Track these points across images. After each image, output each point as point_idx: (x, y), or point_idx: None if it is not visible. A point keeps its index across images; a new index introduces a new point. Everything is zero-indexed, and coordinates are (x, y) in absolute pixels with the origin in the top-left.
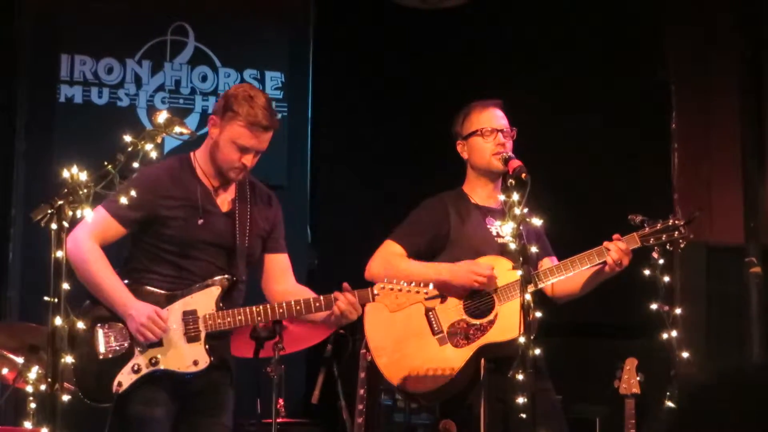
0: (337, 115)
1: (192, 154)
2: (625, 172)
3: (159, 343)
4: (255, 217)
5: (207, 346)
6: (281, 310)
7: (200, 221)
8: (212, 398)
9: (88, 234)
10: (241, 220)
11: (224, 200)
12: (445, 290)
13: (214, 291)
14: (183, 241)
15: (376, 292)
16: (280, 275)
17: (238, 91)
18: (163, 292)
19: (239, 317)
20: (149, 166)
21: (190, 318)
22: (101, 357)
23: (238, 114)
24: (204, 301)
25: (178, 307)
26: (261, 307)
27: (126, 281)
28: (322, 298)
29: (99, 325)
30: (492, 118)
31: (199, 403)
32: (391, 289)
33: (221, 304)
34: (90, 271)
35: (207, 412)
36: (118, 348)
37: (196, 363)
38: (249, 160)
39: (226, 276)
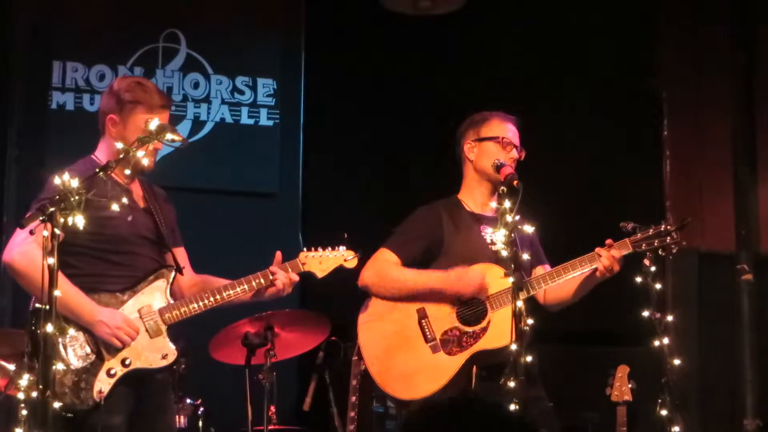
0: (330, 122)
1: (92, 156)
2: (617, 179)
3: (124, 344)
4: (165, 212)
5: (169, 338)
6: (228, 293)
7: (129, 218)
8: (161, 398)
9: (33, 242)
10: (158, 215)
11: (138, 197)
12: (435, 299)
13: (162, 284)
14: (116, 237)
15: (302, 260)
16: (188, 267)
17: (124, 83)
18: (111, 292)
19: (193, 305)
20: (62, 170)
21: (146, 313)
22: (74, 368)
23: (138, 102)
24: (155, 294)
25: (131, 306)
26: (209, 292)
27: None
28: (260, 274)
29: (63, 337)
30: (513, 134)
31: (150, 403)
32: (314, 257)
33: (170, 296)
34: (36, 272)
35: (156, 412)
36: (87, 356)
37: (165, 356)
38: (158, 145)
39: (168, 267)
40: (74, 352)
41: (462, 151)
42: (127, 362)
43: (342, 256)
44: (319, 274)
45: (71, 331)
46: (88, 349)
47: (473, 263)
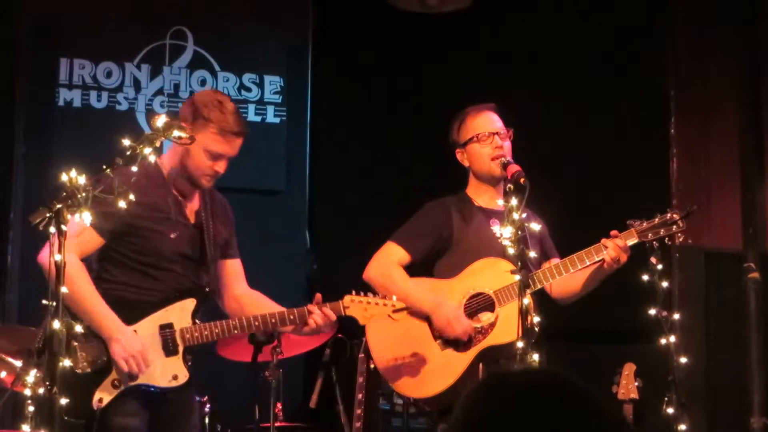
0: (337, 119)
1: (158, 160)
2: (624, 177)
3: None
4: (217, 227)
5: (185, 360)
6: (257, 323)
7: (173, 235)
8: (179, 408)
9: (69, 246)
10: (207, 233)
11: (191, 211)
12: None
13: (189, 304)
14: (156, 252)
15: (346, 305)
16: (235, 280)
17: (206, 97)
18: (137, 304)
19: (216, 330)
20: (118, 173)
21: (167, 332)
22: (79, 372)
23: (209, 120)
24: (180, 314)
25: (154, 320)
26: (237, 320)
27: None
28: (296, 311)
29: (73, 340)
30: (487, 122)
31: (167, 412)
32: (360, 302)
33: (197, 317)
34: (72, 287)
35: (175, 422)
36: (95, 363)
37: (175, 377)
38: (221, 166)
39: (200, 288)
40: (83, 356)
41: (458, 160)
42: (133, 376)
43: (391, 305)
44: (362, 321)
45: (81, 332)
46: (101, 357)
47: (482, 257)
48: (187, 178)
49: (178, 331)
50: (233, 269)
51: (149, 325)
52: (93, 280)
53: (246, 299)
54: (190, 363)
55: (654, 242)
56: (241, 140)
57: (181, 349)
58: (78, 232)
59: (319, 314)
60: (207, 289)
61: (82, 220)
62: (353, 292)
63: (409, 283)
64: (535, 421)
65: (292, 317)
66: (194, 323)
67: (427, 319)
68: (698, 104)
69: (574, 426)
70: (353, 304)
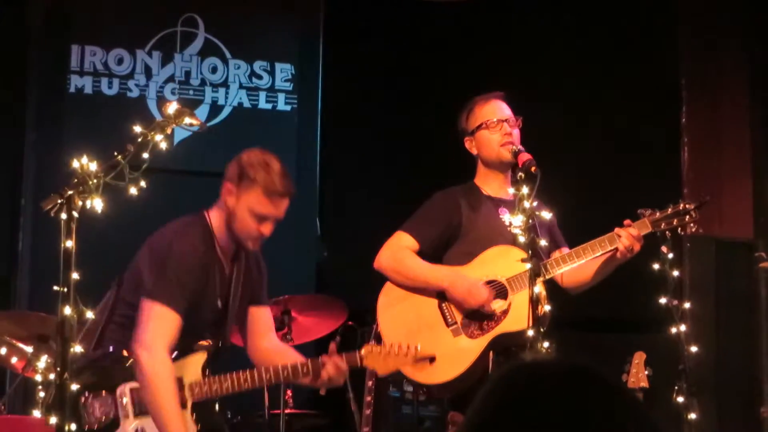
0: (348, 106)
1: (208, 218)
2: (635, 167)
3: (146, 412)
4: (248, 278)
5: (194, 415)
6: (268, 376)
7: (211, 303)
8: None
9: (164, 345)
10: (236, 286)
11: (228, 262)
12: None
13: (200, 358)
14: (191, 317)
15: (364, 355)
16: (264, 331)
17: (253, 157)
18: None
19: (226, 384)
20: (178, 242)
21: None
22: (86, 428)
23: (255, 181)
24: (190, 367)
25: None
26: (248, 373)
27: (111, 348)
28: (309, 363)
29: (85, 393)
30: (496, 109)
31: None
32: (379, 353)
33: (207, 371)
34: (157, 394)
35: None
36: (103, 419)
37: None
38: (267, 228)
39: (213, 341)
40: (92, 411)
41: (466, 149)
42: (139, 429)
43: (413, 352)
44: (381, 372)
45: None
46: (109, 412)
47: (492, 245)
48: (233, 238)
49: (187, 386)
50: (260, 317)
51: None
52: (117, 325)
53: (271, 355)
54: (217, 412)
55: (666, 232)
56: (287, 201)
57: (189, 403)
58: (168, 327)
59: (332, 365)
60: (221, 344)
61: (160, 310)
62: (373, 342)
63: (423, 263)
64: (562, 405)
65: (305, 369)
66: (204, 377)
67: (439, 306)
68: (709, 94)
69: (600, 411)
70: (371, 355)
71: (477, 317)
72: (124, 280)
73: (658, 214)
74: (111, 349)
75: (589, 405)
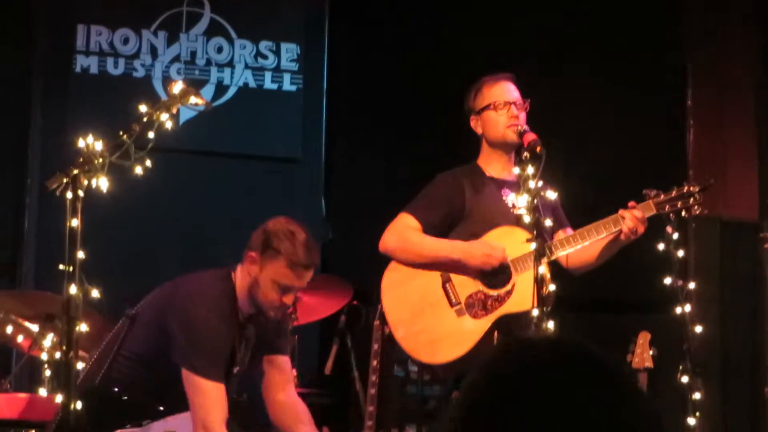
0: (353, 87)
1: (234, 281)
2: (640, 148)
3: None
4: (262, 334)
5: None
6: None
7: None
8: None
9: (222, 422)
10: (248, 346)
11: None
12: (457, 269)
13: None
14: None
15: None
16: (281, 383)
17: (278, 227)
18: (147, 400)
19: None
20: (211, 313)
21: None
22: None
23: (279, 253)
24: (184, 424)
25: (158, 427)
26: None
27: (116, 388)
28: None
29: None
30: (504, 91)
31: None
32: None
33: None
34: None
35: None
36: None
37: None
38: (290, 299)
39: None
40: None
41: (471, 127)
42: None
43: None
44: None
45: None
46: None
47: (495, 227)
48: (254, 305)
49: None
50: (277, 367)
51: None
52: (125, 360)
53: (285, 414)
54: None
55: (670, 214)
56: (311, 273)
57: None
58: (222, 402)
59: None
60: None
61: (209, 386)
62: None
63: (431, 239)
64: (556, 383)
65: None
66: None
67: (443, 286)
68: (715, 76)
69: (593, 388)
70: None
71: (481, 297)
72: (138, 316)
73: (662, 196)
74: (116, 389)
75: (582, 384)
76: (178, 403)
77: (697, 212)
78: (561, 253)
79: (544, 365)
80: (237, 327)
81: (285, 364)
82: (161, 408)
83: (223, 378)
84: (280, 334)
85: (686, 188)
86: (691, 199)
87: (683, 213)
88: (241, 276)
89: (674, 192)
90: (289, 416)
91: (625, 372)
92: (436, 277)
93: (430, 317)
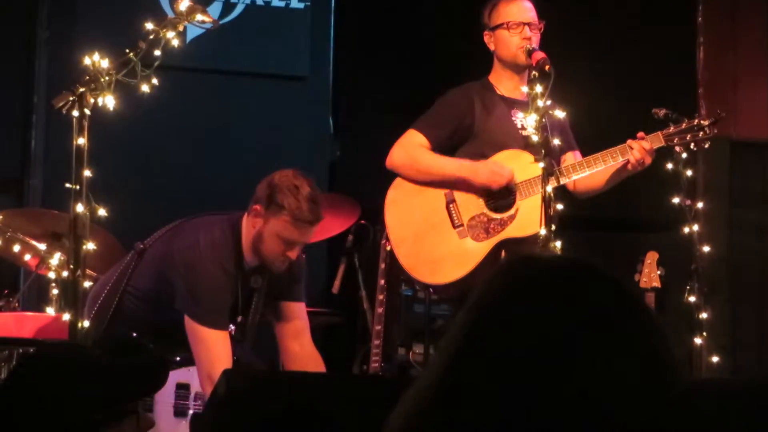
0: (362, 3)
1: (240, 230)
2: (649, 66)
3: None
4: (275, 284)
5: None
6: None
7: (231, 328)
8: None
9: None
10: (258, 299)
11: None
12: (464, 187)
13: None
14: None
15: None
16: (296, 332)
17: (283, 181)
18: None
19: None
20: (212, 263)
21: (181, 393)
22: None
23: (283, 208)
24: (197, 377)
25: (170, 379)
26: None
27: (135, 334)
28: None
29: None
30: (520, 11)
31: None
32: None
33: None
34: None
35: None
36: None
37: None
38: (294, 252)
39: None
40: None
41: (484, 42)
42: None
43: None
44: None
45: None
46: None
47: (503, 148)
48: (259, 258)
49: (192, 394)
50: (292, 314)
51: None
52: (134, 299)
53: (297, 366)
54: None
55: (679, 147)
56: (314, 228)
57: (189, 412)
58: (226, 350)
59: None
60: (235, 358)
61: (213, 335)
62: None
63: (439, 156)
64: (559, 298)
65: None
66: None
67: (446, 206)
68: None
69: (598, 305)
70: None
71: (484, 220)
72: (146, 251)
73: (672, 128)
74: (135, 335)
75: (590, 299)
76: (185, 348)
77: (706, 146)
78: (565, 180)
79: (559, 277)
80: (242, 278)
81: (300, 311)
82: (177, 359)
83: (226, 326)
84: (293, 279)
85: (696, 121)
86: (701, 133)
87: (692, 146)
88: (246, 227)
89: (684, 124)
90: (302, 368)
91: (633, 289)
92: (440, 196)
93: (432, 237)
